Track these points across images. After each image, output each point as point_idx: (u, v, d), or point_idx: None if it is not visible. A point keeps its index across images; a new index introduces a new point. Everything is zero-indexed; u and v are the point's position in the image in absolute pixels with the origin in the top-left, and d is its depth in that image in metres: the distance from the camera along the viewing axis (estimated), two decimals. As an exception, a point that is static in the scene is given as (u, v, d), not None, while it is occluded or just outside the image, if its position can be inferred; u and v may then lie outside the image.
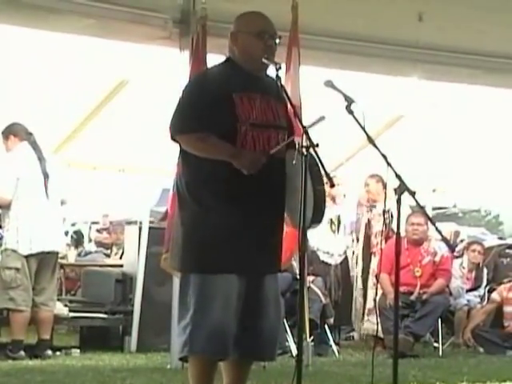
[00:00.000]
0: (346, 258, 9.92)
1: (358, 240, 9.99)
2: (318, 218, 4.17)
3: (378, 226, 9.50)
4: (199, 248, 4.32)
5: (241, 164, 4.22)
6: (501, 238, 14.76)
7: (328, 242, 9.64)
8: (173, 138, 4.35)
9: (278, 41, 4.44)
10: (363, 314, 9.61)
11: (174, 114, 4.34)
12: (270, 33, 4.42)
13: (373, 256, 9.63)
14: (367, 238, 9.78)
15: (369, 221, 9.80)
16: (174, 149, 4.53)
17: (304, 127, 4.02)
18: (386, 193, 8.34)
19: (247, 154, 4.26)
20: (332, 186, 4.03)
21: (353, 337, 10.39)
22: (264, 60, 4.35)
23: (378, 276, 9.09)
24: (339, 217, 9.79)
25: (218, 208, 4.30)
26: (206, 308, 4.27)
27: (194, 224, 4.34)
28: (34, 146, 7.98)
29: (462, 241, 12.24)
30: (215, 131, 4.24)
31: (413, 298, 9.13)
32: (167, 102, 4.63)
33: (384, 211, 8.66)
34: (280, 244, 4.49)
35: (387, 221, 9.16)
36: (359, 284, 9.80)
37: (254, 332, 4.36)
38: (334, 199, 9.74)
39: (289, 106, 4.40)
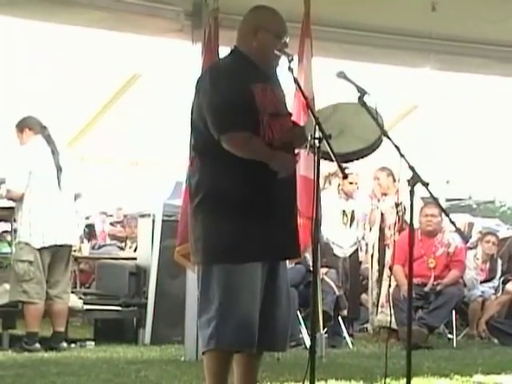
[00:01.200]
0: (357, 250, 9.92)
1: (370, 231, 9.98)
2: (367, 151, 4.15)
3: (391, 219, 9.48)
4: (222, 238, 4.31)
5: (278, 167, 4.25)
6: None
7: (339, 235, 9.65)
8: (217, 138, 4.29)
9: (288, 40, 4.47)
10: (377, 306, 9.61)
11: (217, 115, 4.29)
12: (286, 34, 4.45)
13: (387, 248, 9.62)
14: (381, 230, 9.77)
15: (382, 213, 9.79)
16: (186, 142, 4.53)
17: (317, 119, 4.01)
18: (397, 186, 8.39)
19: (283, 158, 4.30)
20: (345, 177, 4.02)
21: (366, 328, 10.39)
22: (276, 52, 4.37)
23: (392, 268, 9.09)
24: (353, 212, 9.80)
25: (240, 198, 4.30)
26: (232, 300, 4.26)
27: (215, 216, 4.34)
28: (48, 140, 7.99)
29: (477, 232, 12.21)
30: (248, 125, 4.26)
31: (427, 289, 9.12)
32: (180, 95, 4.61)
33: (396, 204, 8.64)
34: (298, 230, 4.50)
35: (400, 213, 9.16)
36: (374, 276, 9.79)
37: (268, 322, 4.36)
38: (347, 194, 9.76)
39: (302, 97, 4.39)
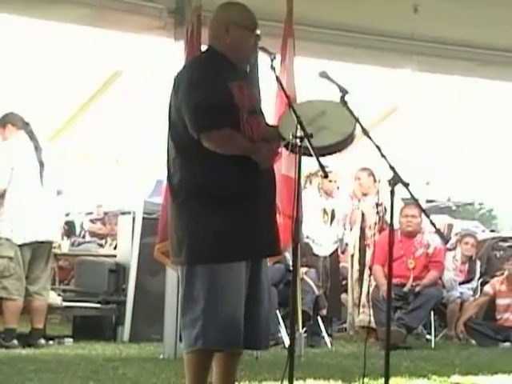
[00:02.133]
0: (337, 249, 9.93)
1: (351, 231, 10.00)
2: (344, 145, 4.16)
3: (372, 219, 9.50)
4: (207, 238, 4.30)
5: (260, 158, 4.27)
6: (493, 231, 14.81)
7: (319, 233, 9.66)
8: (197, 136, 4.27)
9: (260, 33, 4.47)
10: (359, 306, 9.63)
11: (197, 113, 4.27)
12: (258, 26, 4.45)
13: (367, 248, 9.65)
14: (362, 230, 9.79)
15: (362, 213, 9.82)
16: (164, 141, 4.52)
17: (298, 117, 4.00)
18: (377, 186, 8.41)
19: (264, 149, 4.30)
20: (325, 176, 4.02)
21: (345, 328, 10.40)
22: (260, 50, 4.39)
23: (371, 268, 9.12)
24: (333, 210, 9.81)
25: (225, 196, 4.29)
26: (218, 300, 4.25)
27: (198, 216, 4.32)
28: (31, 136, 7.98)
29: (455, 234, 12.25)
30: (229, 123, 4.25)
31: (406, 289, 9.13)
32: (162, 93, 4.60)
33: (377, 204, 8.66)
34: (278, 227, 4.50)
35: (381, 213, 9.19)
36: (355, 276, 9.80)
37: (251, 320, 4.35)
38: (327, 193, 9.76)
39: (284, 96, 4.39)
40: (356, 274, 9.78)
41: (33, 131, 8.00)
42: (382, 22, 8.10)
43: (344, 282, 10.41)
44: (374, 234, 9.35)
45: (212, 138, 4.26)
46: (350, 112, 4.12)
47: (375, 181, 9.56)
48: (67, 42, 8.61)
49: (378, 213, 9.05)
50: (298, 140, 3.95)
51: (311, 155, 3.92)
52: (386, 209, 9.08)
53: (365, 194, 9.82)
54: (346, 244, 10.24)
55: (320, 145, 4.04)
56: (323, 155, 4.10)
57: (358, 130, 4.16)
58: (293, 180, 4.12)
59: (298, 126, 3.96)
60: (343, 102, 4.18)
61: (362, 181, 9.83)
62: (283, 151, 4.77)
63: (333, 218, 9.82)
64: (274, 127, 4.45)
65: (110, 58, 9.37)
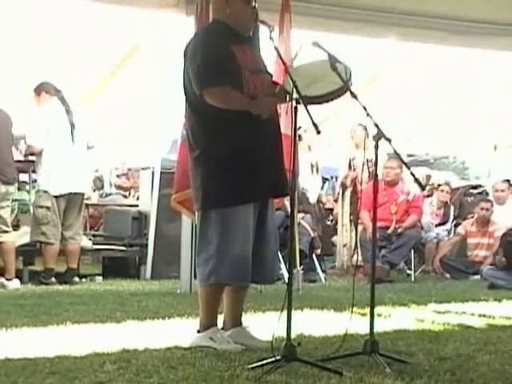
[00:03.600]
0: (320, 196, 9.94)
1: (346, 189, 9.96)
2: (338, 93, 4.08)
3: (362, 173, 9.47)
4: (218, 185, 4.31)
5: (259, 111, 4.24)
6: (465, 180, 14.79)
7: (308, 184, 9.65)
8: (199, 93, 4.28)
9: (256, 4, 4.48)
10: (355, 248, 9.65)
11: (198, 73, 4.27)
12: (254, 1, 4.45)
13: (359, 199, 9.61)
14: (354, 184, 9.75)
15: (354, 169, 9.77)
16: (180, 105, 4.50)
17: (294, 82, 3.96)
18: (368, 142, 8.35)
19: (262, 103, 4.28)
20: (318, 132, 3.99)
21: (336, 265, 10.42)
22: (259, 24, 4.35)
23: (359, 213, 9.12)
24: (317, 163, 9.79)
25: (233, 148, 4.28)
26: (229, 240, 4.26)
27: (212, 166, 4.32)
28: (63, 101, 7.95)
29: (433, 183, 12.23)
30: (230, 80, 4.24)
31: (389, 231, 9.15)
32: (175, 62, 4.58)
33: (367, 159, 8.59)
34: (285, 170, 4.45)
35: (370, 169, 9.13)
36: (346, 222, 9.77)
37: (259, 259, 4.37)
38: (310, 147, 9.73)
39: (281, 63, 4.35)
40: (347, 220, 9.77)
41: (64, 97, 7.96)
42: (368, -2, 8.03)
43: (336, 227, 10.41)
44: (361, 185, 9.29)
45: (212, 94, 4.26)
46: (339, 75, 4.07)
47: (368, 136, 9.51)
48: (92, 18, 8.54)
49: (368, 168, 9.01)
50: (294, 102, 3.92)
51: (309, 103, 3.88)
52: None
53: (357, 146, 9.75)
54: (338, 193, 10.20)
55: (317, 94, 4.03)
56: (320, 103, 4.07)
57: (349, 83, 4.11)
58: (289, 137, 4.08)
59: (294, 87, 3.92)
60: (333, 68, 4.12)
61: (356, 133, 9.77)
62: (282, 111, 4.74)
63: (318, 169, 9.81)
64: (280, 85, 4.41)
65: (130, 33, 9.31)
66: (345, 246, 9.70)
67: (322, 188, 10.12)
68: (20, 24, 8.80)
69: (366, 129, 9.46)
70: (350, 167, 9.79)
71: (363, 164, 8.96)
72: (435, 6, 8.30)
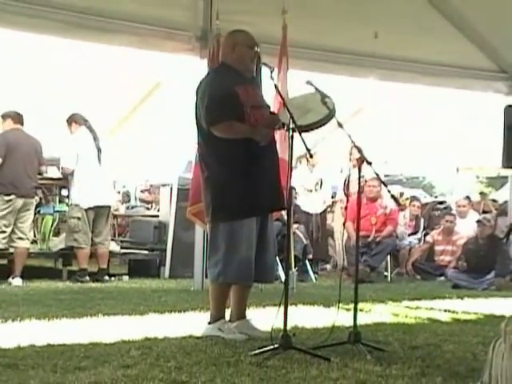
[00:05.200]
0: (325, 210, 9.88)
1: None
2: (325, 120, 4.09)
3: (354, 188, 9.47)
4: (225, 202, 4.31)
5: (259, 138, 4.25)
6: (431, 196, 14.78)
7: (311, 198, 9.63)
8: (207, 129, 4.29)
9: (259, 50, 4.50)
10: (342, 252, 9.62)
11: (206, 112, 4.28)
12: (257, 45, 4.49)
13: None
14: (346, 196, 9.73)
15: (348, 185, 9.76)
16: (194, 133, 4.52)
17: (290, 114, 3.97)
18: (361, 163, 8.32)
19: (261, 131, 4.28)
20: (311, 156, 4.00)
21: (326, 268, 10.39)
22: (262, 65, 4.37)
23: (345, 224, 9.08)
24: (321, 180, 9.75)
25: (237, 171, 4.28)
26: (235, 247, 4.27)
27: (220, 185, 4.32)
28: (90, 129, 7.96)
29: (406, 199, 12.22)
30: (233, 116, 4.24)
31: (369, 239, 9.12)
32: (190, 98, 4.59)
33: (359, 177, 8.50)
34: (282, 188, 4.45)
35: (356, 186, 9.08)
36: (339, 231, 9.74)
37: (261, 262, 4.38)
38: (312, 165, 9.71)
39: (279, 98, 4.36)
40: (340, 229, 9.75)
41: (91, 126, 7.96)
42: (352, 44, 8.04)
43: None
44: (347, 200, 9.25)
45: (218, 129, 4.28)
46: (328, 108, 4.08)
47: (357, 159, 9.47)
48: (120, 60, 8.56)
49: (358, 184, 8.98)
50: (291, 125, 3.94)
51: (303, 131, 3.92)
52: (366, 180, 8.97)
53: (354, 166, 9.69)
54: (329, 206, 10.17)
55: (307, 123, 4.04)
56: (311, 129, 4.08)
57: (334, 120, 4.13)
58: (286, 161, 4.08)
59: (290, 119, 3.94)
60: (323, 103, 4.12)
61: (352, 156, 9.72)
62: (278, 138, 4.75)
63: (321, 184, 9.77)
64: (276, 115, 4.42)
65: (152, 73, 9.33)
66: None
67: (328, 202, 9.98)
68: (60, 64, 8.84)
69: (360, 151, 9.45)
70: (345, 185, 9.77)
71: (347, 182, 8.93)
72: (407, 52, 8.36)
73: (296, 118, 3.93)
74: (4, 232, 7.42)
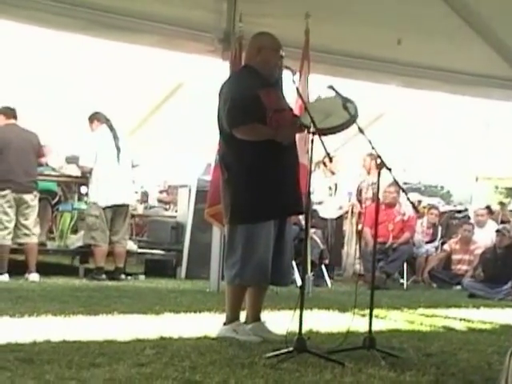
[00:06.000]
0: (341, 216, 9.84)
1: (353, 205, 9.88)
2: (347, 125, 4.07)
3: (367, 194, 9.44)
4: (244, 205, 4.30)
5: (280, 139, 4.24)
6: (449, 205, 14.71)
7: (326, 203, 9.60)
8: (229, 131, 4.29)
9: (284, 53, 4.47)
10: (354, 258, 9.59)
11: (228, 115, 4.28)
12: (282, 48, 4.46)
13: (362, 216, 9.54)
14: (360, 202, 9.70)
15: (360, 190, 9.73)
16: (214, 135, 4.52)
17: (312, 118, 3.96)
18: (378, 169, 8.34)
19: (283, 131, 4.27)
20: (330, 160, 3.99)
21: (342, 273, 10.34)
22: (284, 69, 4.36)
23: (362, 230, 9.06)
24: (336, 185, 9.73)
25: (257, 173, 4.27)
26: (252, 250, 4.26)
27: (239, 187, 4.32)
28: (111, 128, 7.97)
29: (424, 207, 12.15)
30: (255, 119, 4.24)
31: (386, 246, 9.09)
32: (212, 100, 4.60)
33: (373, 182, 8.50)
34: (301, 192, 4.45)
35: (375, 190, 9.08)
36: (353, 237, 9.72)
37: (278, 265, 4.37)
38: (332, 172, 9.69)
39: (301, 101, 4.36)
40: (354, 235, 9.72)
41: (112, 125, 7.97)
42: (375, 50, 8.00)
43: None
44: (365, 204, 9.24)
45: (240, 131, 4.27)
46: (350, 114, 4.06)
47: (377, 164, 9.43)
48: (142, 60, 8.60)
49: (372, 190, 8.97)
50: (311, 135, 3.93)
51: (323, 134, 3.91)
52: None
53: (368, 173, 9.68)
54: (347, 212, 10.14)
55: (328, 126, 4.03)
56: (332, 133, 4.07)
57: (355, 126, 4.11)
58: (305, 166, 4.09)
59: (311, 122, 3.93)
60: (344, 108, 4.11)
61: (365, 162, 9.72)
62: (298, 142, 4.74)
63: (336, 190, 9.74)
64: (298, 118, 4.41)
65: (175, 73, 9.36)
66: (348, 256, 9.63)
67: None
68: (82, 62, 8.89)
69: (375, 158, 9.41)
70: (358, 191, 9.74)
71: (367, 188, 8.92)
72: (429, 59, 8.31)
73: (317, 122, 3.92)
74: (7, 228, 7.34)
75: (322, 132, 3.91)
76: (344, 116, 4.07)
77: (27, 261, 7.48)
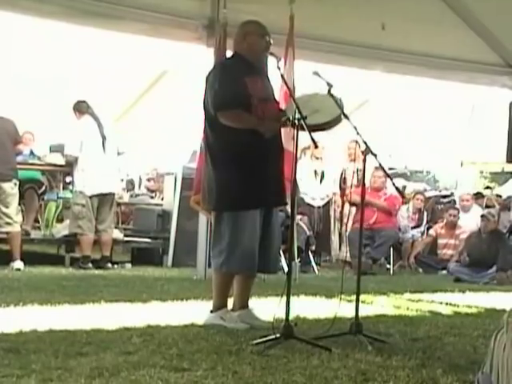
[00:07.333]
0: (328, 202, 9.84)
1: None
2: (333, 124, 4.07)
3: (351, 180, 9.44)
4: (230, 192, 4.29)
5: (264, 130, 4.23)
6: (435, 190, 14.77)
7: (312, 189, 9.59)
8: (214, 114, 4.27)
9: (271, 40, 4.47)
10: (340, 245, 9.60)
11: (215, 97, 4.27)
12: (268, 35, 4.46)
13: (346, 203, 9.54)
14: (342, 189, 9.69)
15: (344, 177, 9.73)
16: (200, 122, 4.50)
17: (296, 104, 3.95)
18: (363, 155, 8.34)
19: (267, 123, 4.26)
20: (316, 147, 3.98)
21: (328, 260, 10.37)
22: (269, 55, 4.36)
23: (342, 215, 9.10)
24: (323, 172, 9.72)
25: (242, 161, 4.26)
26: (238, 237, 4.26)
27: (226, 175, 4.30)
28: (95, 117, 7.93)
29: (410, 193, 12.18)
30: (241, 105, 4.23)
31: (371, 222, 9.00)
32: (196, 87, 4.58)
33: (358, 169, 8.49)
34: (285, 183, 4.45)
35: (360, 176, 9.06)
36: (337, 223, 9.74)
37: (265, 253, 4.37)
38: (318, 158, 9.68)
39: (286, 88, 4.35)
40: (337, 222, 9.73)
41: (95, 113, 7.92)
42: (359, 36, 8.00)
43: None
44: (351, 189, 9.22)
45: (225, 116, 4.26)
46: (335, 101, 4.06)
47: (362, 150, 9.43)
48: (126, 48, 8.55)
49: (357, 175, 8.98)
50: (296, 119, 3.91)
51: (306, 130, 3.87)
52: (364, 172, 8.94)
53: (353, 160, 9.65)
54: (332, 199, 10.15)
55: (314, 123, 4.01)
56: (317, 131, 4.05)
57: (342, 115, 4.10)
58: (290, 153, 4.07)
59: (296, 110, 3.91)
60: (330, 94, 4.11)
61: (350, 150, 9.71)
62: (283, 128, 4.73)
63: (322, 177, 9.73)
64: (283, 111, 4.40)
65: (159, 60, 9.31)
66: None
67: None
68: (66, 51, 8.83)
69: (359, 145, 9.40)
70: (342, 179, 9.73)
71: (353, 173, 8.93)
72: (413, 45, 8.32)
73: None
74: None
75: (309, 129, 3.88)
76: (332, 113, 4.05)
77: (11, 249, 7.44)
